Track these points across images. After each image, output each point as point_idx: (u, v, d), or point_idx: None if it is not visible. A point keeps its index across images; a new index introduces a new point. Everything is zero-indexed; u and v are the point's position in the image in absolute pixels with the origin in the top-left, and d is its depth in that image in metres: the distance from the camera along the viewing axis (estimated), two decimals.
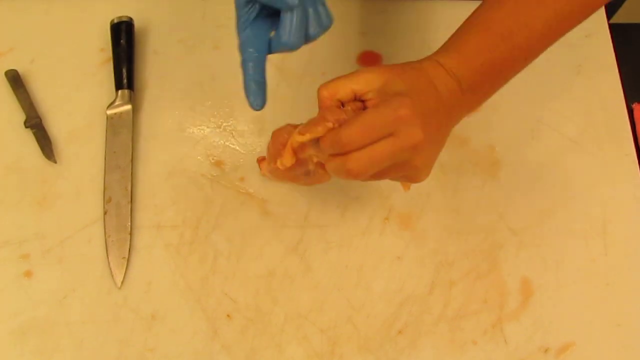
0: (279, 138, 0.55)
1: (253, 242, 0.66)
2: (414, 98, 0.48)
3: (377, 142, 0.47)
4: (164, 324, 0.63)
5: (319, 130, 0.50)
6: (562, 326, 0.63)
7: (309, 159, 0.55)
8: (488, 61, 0.54)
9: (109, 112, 0.71)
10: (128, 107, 0.71)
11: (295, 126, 0.54)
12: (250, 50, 0.55)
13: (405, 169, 0.50)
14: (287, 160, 0.55)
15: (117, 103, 0.71)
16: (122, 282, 0.64)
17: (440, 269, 0.65)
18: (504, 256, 0.66)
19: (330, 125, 0.49)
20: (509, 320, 0.63)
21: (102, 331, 0.62)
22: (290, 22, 0.53)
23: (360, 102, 0.51)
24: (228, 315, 0.63)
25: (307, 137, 0.50)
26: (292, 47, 0.54)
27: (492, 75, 0.55)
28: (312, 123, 0.51)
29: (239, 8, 0.55)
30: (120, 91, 0.72)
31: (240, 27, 0.55)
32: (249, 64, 0.56)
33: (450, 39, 0.56)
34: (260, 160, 0.66)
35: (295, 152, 0.54)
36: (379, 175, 0.50)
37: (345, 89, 0.51)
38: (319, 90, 0.52)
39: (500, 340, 0.62)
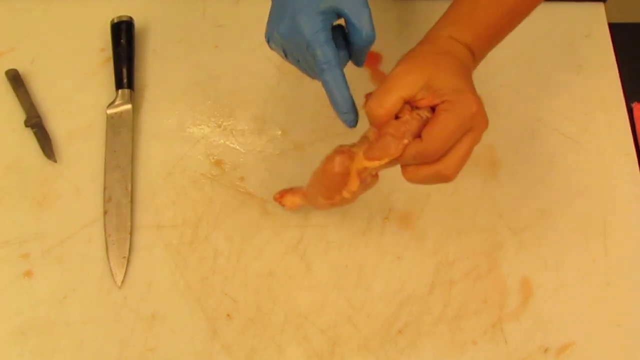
0: (333, 170, 0.54)
1: (253, 242, 0.66)
2: (469, 85, 0.51)
3: (459, 142, 0.49)
4: (164, 324, 0.63)
5: (395, 152, 0.50)
6: (562, 326, 0.63)
7: (368, 175, 0.55)
8: (493, 26, 0.57)
9: (109, 111, 0.71)
10: (128, 106, 0.71)
11: (345, 153, 0.53)
12: (335, 64, 0.53)
13: (476, 143, 0.52)
14: (354, 186, 0.54)
15: (117, 102, 0.71)
16: (122, 282, 0.64)
17: (440, 269, 0.65)
18: (504, 256, 0.66)
19: (406, 142, 0.49)
20: (509, 320, 0.63)
21: (102, 331, 0.62)
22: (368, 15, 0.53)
23: (408, 105, 0.51)
24: (228, 315, 0.63)
25: (385, 161, 0.51)
26: (373, 38, 0.54)
27: (497, 37, 0.58)
28: (381, 145, 0.50)
29: (313, 24, 0.53)
30: (120, 90, 0.72)
31: (320, 43, 0.53)
32: (339, 79, 0.54)
33: (454, 9, 0.57)
34: (282, 195, 0.65)
35: (359, 175, 0.54)
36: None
37: (395, 100, 0.50)
38: (370, 110, 0.51)
39: (500, 340, 0.62)
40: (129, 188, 0.67)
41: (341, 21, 0.55)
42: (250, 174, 0.70)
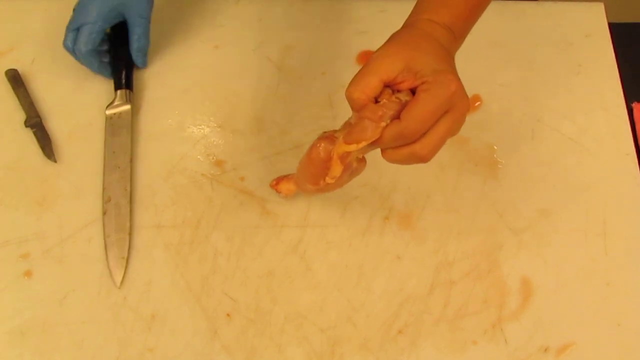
0: (318, 155, 0.54)
1: (253, 242, 0.66)
2: (448, 66, 0.51)
3: (437, 123, 0.49)
4: (164, 324, 0.63)
5: (372, 135, 0.50)
6: (562, 326, 0.63)
7: (353, 159, 0.55)
8: (470, 5, 0.57)
9: (108, 112, 0.71)
10: (127, 107, 0.71)
11: (328, 138, 0.54)
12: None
13: (460, 125, 0.52)
14: (337, 171, 0.54)
15: (116, 103, 0.71)
16: (122, 282, 0.64)
17: (440, 269, 0.65)
18: (504, 256, 0.66)
19: (383, 124, 0.49)
20: (509, 320, 0.63)
21: (102, 331, 0.62)
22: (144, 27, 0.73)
23: (389, 89, 0.51)
24: (228, 315, 0.63)
25: (362, 144, 0.50)
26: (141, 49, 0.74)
27: (475, 15, 0.58)
28: (359, 129, 0.50)
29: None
30: (119, 91, 0.72)
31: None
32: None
33: None
34: (278, 182, 0.65)
35: (342, 160, 0.54)
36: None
37: (374, 84, 0.50)
38: (349, 93, 0.51)
39: (500, 340, 0.62)
40: (128, 189, 0.67)
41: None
42: (250, 174, 0.70)
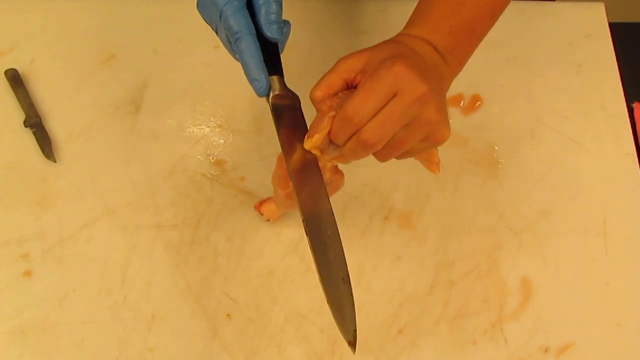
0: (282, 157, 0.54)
1: (253, 242, 0.66)
2: (401, 57, 0.49)
3: (384, 107, 0.47)
4: (164, 324, 0.63)
5: (325, 125, 0.49)
6: (562, 326, 0.63)
7: (324, 168, 0.54)
8: (456, 24, 0.56)
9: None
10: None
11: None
12: (247, 32, 0.53)
13: (423, 127, 0.49)
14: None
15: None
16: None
17: (440, 269, 0.65)
18: (504, 256, 0.66)
19: (333, 114, 0.49)
20: (509, 320, 0.63)
21: (102, 331, 0.62)
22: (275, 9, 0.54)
23: (352, 89, 0.51)
24: (228, 315, 0.63)
25: (316, 137, 0.50)
26: (275, 34, 0.54)
27: (464, 36, 0.57)
28: (314, 123, 0.50)
29: None
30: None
31: (232, 11, 0.53)
32: (252, 47, 0.53)
33: (413, 13, 0.58)
34: (260, 204, 0.66)
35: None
36: (400, 145, 0.50)
37: (335, 83, 0.51)
38: (311, 93, 0.51)
39: (500, 340, 0.62)
40: None
41: None
42: (250, 173, 0.70)
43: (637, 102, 0.74)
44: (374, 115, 0.47)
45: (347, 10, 0.79)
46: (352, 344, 0.51)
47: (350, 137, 0.49)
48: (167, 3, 0.80)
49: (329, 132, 0.50)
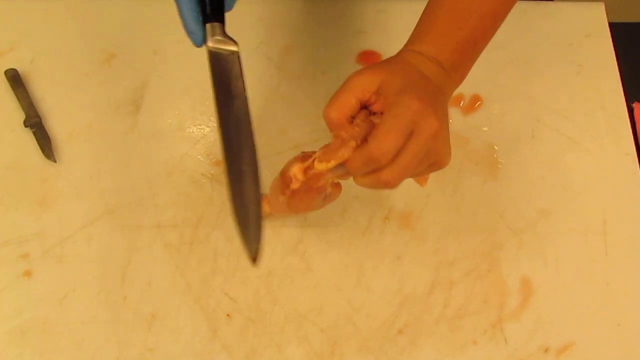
0: (288, 173, 0.54)
1: None
2: (415, 89, 0.50)
3: (404, 148, 0.48)
4: (164, 324, 0.63)
5: (344, 154, 0.49)
6: (562, 326, 0.63)
7: (326, 184, 0.55)
8: (462, 39, 0.56)
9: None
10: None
11: (304, 158, 0.54)
12: None
13: (431, 157, 0.51)
14: (296, 184, 0.54)
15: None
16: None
17: (440, 269, 0.65)
18: (504, 256, 0.66)
19: (353, 144, 0.49)
20: (509, 320, 0.63)
21: (102, 331, 0.62)
22: None
23: (366, 110, 0.51)
24: (228, 315, 0.63)
25: (332, 163, 0.50)
26: None
27: (469, 50, 0.57)
28: (331, 148, 0.50)
29: None
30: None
31: None
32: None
33: (419, 25, 0.58)
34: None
35: (313, 181, 0.53)
36: (409, 175, 0.51)
37: (351, 102, 0.51)
38: (325, 113, 0.51)
39: (500, 340, 0.62)
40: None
41: None
42: None
43: (637, 102, 0.74)
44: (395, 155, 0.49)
45: (347, 10, 0.79)
46: (254, 259, 0.54)
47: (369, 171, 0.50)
48: (167, 3, 0.80)
49: (346, 160, 0.50)
